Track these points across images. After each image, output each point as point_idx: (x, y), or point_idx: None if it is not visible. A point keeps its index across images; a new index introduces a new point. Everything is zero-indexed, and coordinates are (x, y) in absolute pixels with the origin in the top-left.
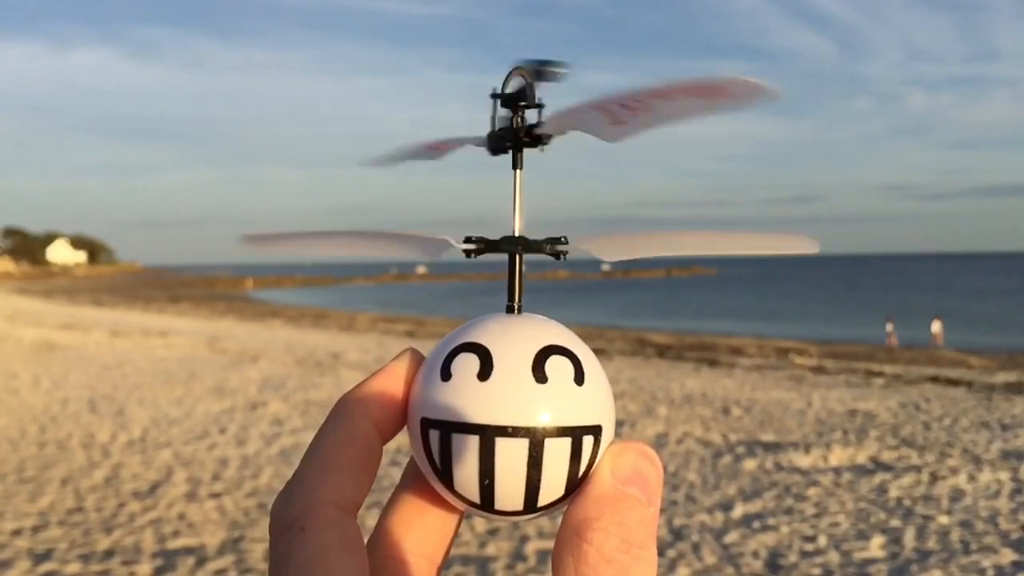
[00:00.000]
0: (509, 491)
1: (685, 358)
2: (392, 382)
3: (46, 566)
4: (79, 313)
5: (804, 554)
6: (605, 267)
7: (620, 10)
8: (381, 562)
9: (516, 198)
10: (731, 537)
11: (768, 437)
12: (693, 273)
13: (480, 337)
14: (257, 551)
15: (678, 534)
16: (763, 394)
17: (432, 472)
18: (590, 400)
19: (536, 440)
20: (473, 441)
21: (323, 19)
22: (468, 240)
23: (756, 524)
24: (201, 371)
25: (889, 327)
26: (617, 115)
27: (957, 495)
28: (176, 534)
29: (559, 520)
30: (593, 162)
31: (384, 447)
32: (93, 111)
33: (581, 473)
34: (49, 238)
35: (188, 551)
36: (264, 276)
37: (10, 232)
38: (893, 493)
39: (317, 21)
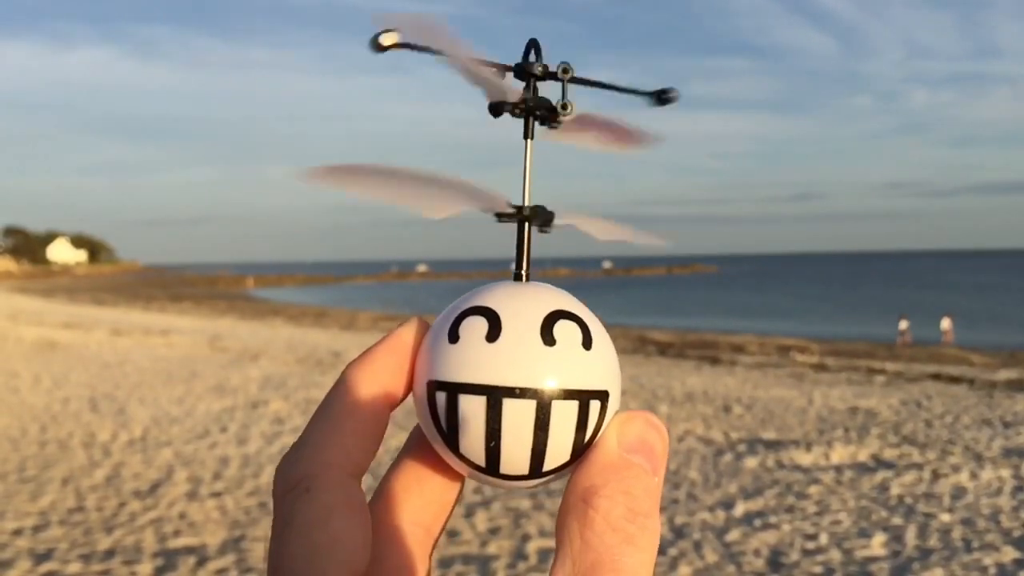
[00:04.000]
0: (515, 454)
1: (686, 356)
2: (399, 348)
3: (47, 566)
4: (80, 312)
5: (806, 552)
6: (606, 264)
7: (621, 9)
8: (377, 528)
9: (526, 168)
10: (732, 535)
11: (769, 435)
12: (694, 271)
13: (488, 301)
14: (258, 550)
15: (679, 532)
16: (764, 392)
17: (438, 436)
18: (598, 365)
19: (543, 402)
20: (480, 402)
21: (324, 18)
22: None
23: (757, 522)
24: (202, 370)
25: (903, 325)
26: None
27: (959, 493)
28: (177, 533)
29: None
30: (593, 161)
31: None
32: (94, 110)
33: (587, 439)
34: (50, 237)
35: (189, 550)
36: (265, 275)
37: (11, 231)
38: (895, 491)
39: (318, 20)
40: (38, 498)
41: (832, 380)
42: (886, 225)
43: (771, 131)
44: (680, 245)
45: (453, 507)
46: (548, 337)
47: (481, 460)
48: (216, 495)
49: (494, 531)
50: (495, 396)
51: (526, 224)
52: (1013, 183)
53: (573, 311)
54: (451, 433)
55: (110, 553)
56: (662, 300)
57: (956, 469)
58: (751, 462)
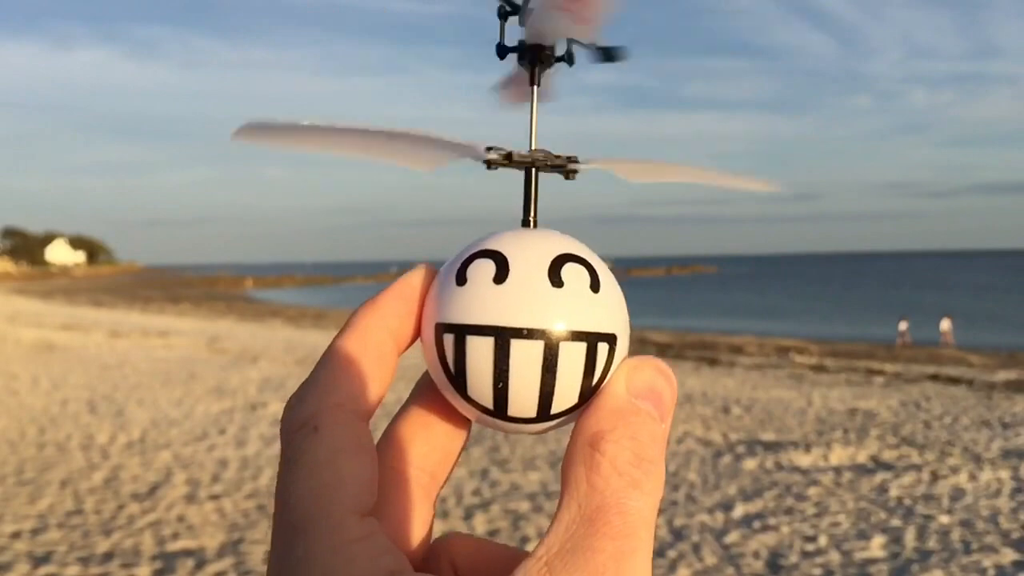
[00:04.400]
0: (523, 396)
1: (685, 357)
2: (407, 293)
3: (45, 569)
4: (78, 313)
5: (805, 554)
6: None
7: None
8: (383, 471)
9: (532, 115)
10: (731, 537)
11: (768, 436)
12: (693, 271)
13: (496, 245)
14: (257, 553)
15: (678, 534)
16: (763, 393)
17: (445, 379)
18: (606, 308)
19: (551, 343)
20: (488, 343)
21: (323, 18)
22: (490, 149)
23: (756, 524)
24: (201, 371)
25: (903, 326)
26: (571, 10)
27: (958, 494)
28: (175, 536)
29: None
30: None
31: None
32: (93, 110)
33: (595, 383)
34: (48, 238)
35: (187, 553)
36: (264, 276)
37: (9, 232)
38: (894, 492)
39: (317, 20)
40: (36, 501)
41: (831, 381)
42: (885, 225)
43: (771, 131)
44: (680, 245)
45: (458, 457)
46: (556, 279)
47: (489, 402)
48: (215, 498)
49: (493, 533)
50: (503, 337)
51: (533, 169)
52: (1013, 183)
53: (581, 255)
54: (459, 376)
55: (108, 556)
56: (661, 301)
57: (955, 470)
58: (750, 464)
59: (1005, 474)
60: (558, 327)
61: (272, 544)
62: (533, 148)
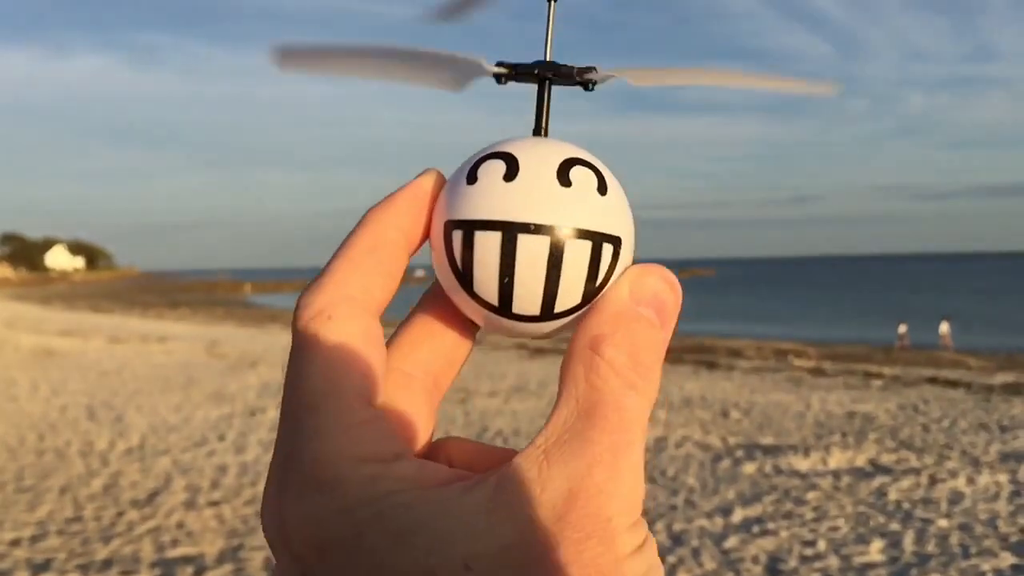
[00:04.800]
0: (528, 292)
1: (684, 360)
2: (418, 194)
3: None
4: (78, 319)
5: (804, 559)
6: None
7: (619, 13)
8: (389, 371)
9: (548, 27)
10: (731, 542)
11: (767, 440)
12: (692, 275)
13: (507, 148)
14: (256, 560)
15: (677, 539)
16: (762, 396)
17: (453, 277)
18: (612, 210)
19: (557, 240)
20: (495, 239)
21: (321, 23)
22: (500, 64)
23: (756, 529)
24: (200, 377)
25: (902, 329)
26: None
27: (956, 498)
28: (175, 543)
29: None
30: None
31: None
32: (92, 116)
33: (598, 284)
34: (47, 244)
35: (187, 560)
36: (263, 280)
37: (8, 238)
38: (892, 496)
39: (315, 25)
40: (36, 508)
41: (830, 384)
42: (883, 228)
43: (768, 134)
44: (678, 249)
45: (461, 366)
46: (564, 179)
47: (494, 299)
48: (214, 504)
49: None
50: (510, 232)
51: (546, 81)
52: (1010, 185)
53: (590, 161)
54: (466, 273)
55: (108, 563)
56: None
57: (953, 474)
58: (749, 468)
59: (1003, 478)
60: (564, 224)
61: (280, 426)
62: (548, 59)
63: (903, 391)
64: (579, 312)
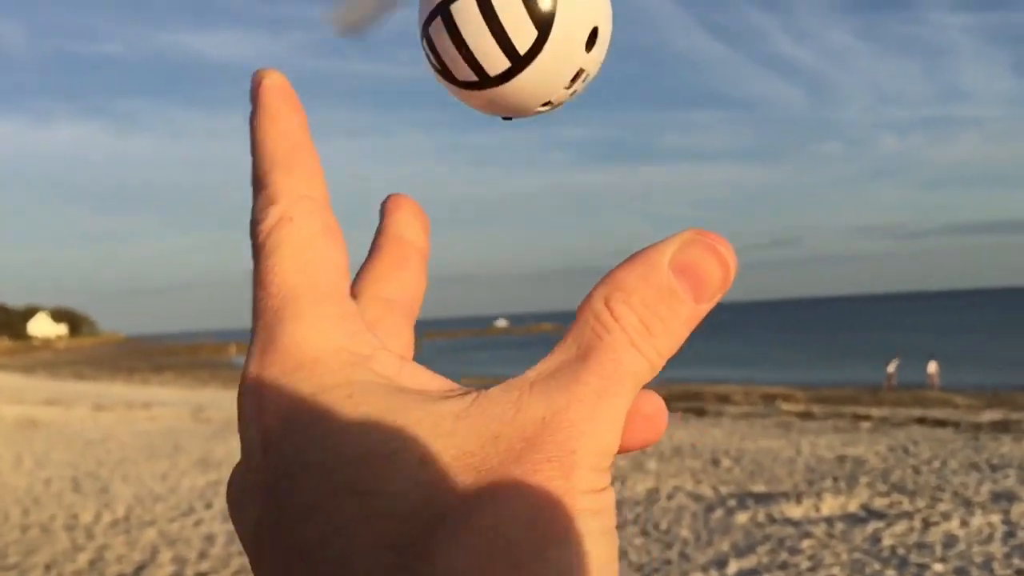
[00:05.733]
0: (488, 50)
1: (672, 408)
2: (277, 83)
3: None
4: (61, 387)
5: None
6: None
7: None
8: (361, 296)
9: None
10: None
11: (759, 488)
12: None
13: None
14: None
15: None
16: (752, 443)
17: (443, 79)
18: None
19: None
20: (439, 24)
21: (301, 85)
22: None
23: None
24: (186, 443)
25: (891, 368)
26: None
27: (950, 541)
28: None
29: None
30: (571, 213)
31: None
32: (73, 183)
33: (544, 6)
34: (30, 312)
35: None
36: (247, 342)
37: None
38: (887, 542)
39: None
40: None
41: (819, 428)
42: (864, 268)
43: (745, 179)
44: None
45: (422, 298)
46: None
47: (471, 75)
48: (202, 575)
49: None
50: (443, 10)
51: None
52: (985, 223)
53: None
54: (443, 66)
55: None
56: None
57: (946, 516)
58: (742, 517)
59: (996, 518)
60: None
61: (256, 321)
62: None
63: (892, 432)
64: (546, 42)
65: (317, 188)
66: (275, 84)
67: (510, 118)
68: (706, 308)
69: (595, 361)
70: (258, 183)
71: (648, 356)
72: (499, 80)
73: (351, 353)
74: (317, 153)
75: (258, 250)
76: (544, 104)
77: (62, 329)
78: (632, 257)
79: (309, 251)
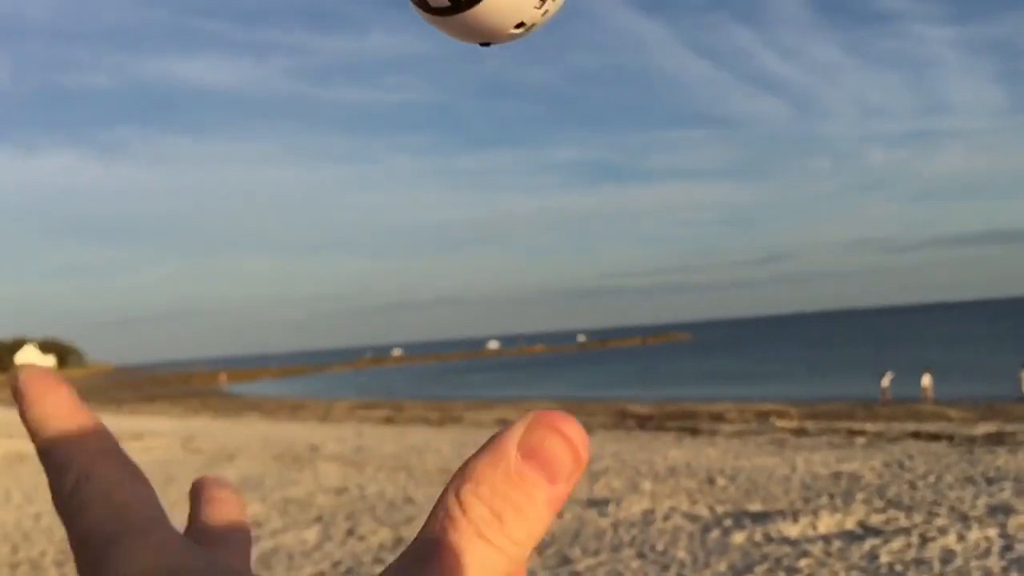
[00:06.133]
0: None
1: (666, 428)
2: (38, 370)
3: None
4: None
5: None
6: (580, 338)
7: (580, 87)
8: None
9: None
10: None
11: (755, 507)
12: (668, 339)
13: None
14: None
15: None
16: (747, 461)
17: (421, 10)
18: None
19: None
20: None
21: (287, 110)
22: None
23: None
24: (177, 474)
25: (886, 381)
26: None
27: (948, 556)
28: None
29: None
30: (560, 236)
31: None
32: (59, 213)
33: None
34: (17, 344)
35: None
36: (239, 368)
37: None
38: (884, 559)
39: (281, 112)
40: None
41: (813, 444)
42: (854, 282)
43: (734, 197)
44: (653, 315)
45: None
46: None
47: (444, 1)
48: None
49: None
50: None
51: None
52: (973, 234)
53: None
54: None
55: None
56: (638, 371)
57: (943, 531)
58: (739, 537)
59: (993, 532)
60: None
61: (82, 558)
62: None
63: (887, 447)
64: None
65: (104, 440)
66: (30, 375)
67: (488, 44)
68: (565, 488)
69: (436, 559)
70: (46, 459)
71: (500, 545)
72: (470, 2)
73: (184, 568)
74: (92, 412)
75: (70, 517)
76: (518, 26)
77: (50, 361)
78: (484, 446)
79: (117, 495)
